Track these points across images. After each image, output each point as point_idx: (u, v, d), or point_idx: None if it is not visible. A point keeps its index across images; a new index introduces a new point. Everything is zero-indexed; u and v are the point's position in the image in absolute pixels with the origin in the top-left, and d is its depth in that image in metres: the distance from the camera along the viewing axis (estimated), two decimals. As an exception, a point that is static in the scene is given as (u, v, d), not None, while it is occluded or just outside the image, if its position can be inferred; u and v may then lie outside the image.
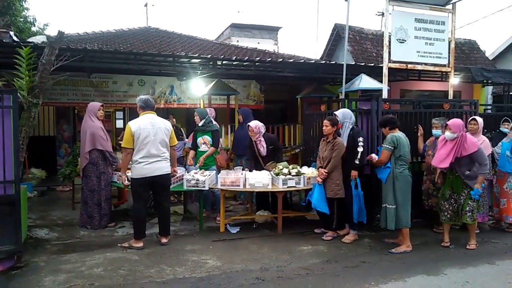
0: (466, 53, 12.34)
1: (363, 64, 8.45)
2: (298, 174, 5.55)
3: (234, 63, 7.79)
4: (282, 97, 10.61)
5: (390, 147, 4.88)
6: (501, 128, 6.20)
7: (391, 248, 4.92)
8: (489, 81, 8.20)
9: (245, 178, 5.47)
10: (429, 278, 4.13)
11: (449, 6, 7.25)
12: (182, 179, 5.56)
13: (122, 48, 8.29)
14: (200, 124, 6.07)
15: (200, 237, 5.34)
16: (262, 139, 5.91)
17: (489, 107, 8.62)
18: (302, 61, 8.28)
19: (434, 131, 5.58)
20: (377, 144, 5.69)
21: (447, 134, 4.84)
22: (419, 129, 5.92)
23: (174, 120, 7.45)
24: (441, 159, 4.87)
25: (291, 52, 21.03)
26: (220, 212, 5.59)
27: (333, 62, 8.41)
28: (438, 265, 4.43)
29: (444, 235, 5.12)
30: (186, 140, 7.31)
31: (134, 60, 7.13)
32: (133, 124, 4.65)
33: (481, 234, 5.54)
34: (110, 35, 10.83)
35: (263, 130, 5.96)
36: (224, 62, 7.80)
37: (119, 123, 12.42)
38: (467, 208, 4.90)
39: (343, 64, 7.01)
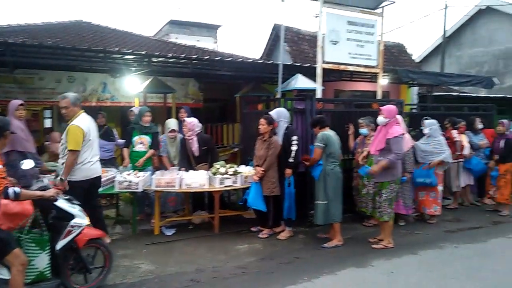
0: (395, 55, 13.09)
1: (299, 64, 8.65)
2: (236, 173, 5.54)
3: (170, 60, 7.60)
4: (222, 95, 10.55)
5: (321, 145, 5.03)
6: (422, 127, 6.64)
7: (324, 243, 5.08)
8: (415, 82, 8.79)
9: (181, 179, 5.35)
10: (358, 270, 4.32)
11: (379, 10, 7.64)
12: (114, 181, 5.31)
13: (50, 42, 7.74)
14: (147, 125, 5.89)
15: (132, 241, 5.14)
16: (195, 138, 5.81)
17: (415, 106, 9.25)
18: (240, 60, 8.28)
19: (361, 130, 5.84)
20: (312, 142, 5.84)
21: (379, 118, 5.00)
22: (350, 128, 6.17)
23: (104, 119, 7.08)
24: (375, 145, 5.05)
25: (232, 51, 20.99)
26: (155, 214, 5.43)
27: (270, 62, 8.50)
28: (366, 257, 4.65)
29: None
30: (119, 141, 7.00)
31: (62, 55, 6.69)
32: (82, 125, 4.39)
33: (405, 226, 5.92)
34: (37, 28, 10.06)
35: (197, 129, 5.87)
36: (160, 59, 7.58)
37: (47, 123, 11.60)
38: (376, 205, 4.99)
39: (281, 64, 7.12)
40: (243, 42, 50.66)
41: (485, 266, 4.46)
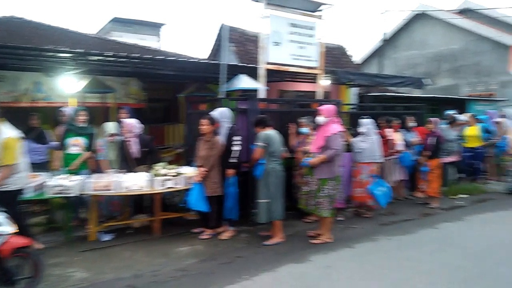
0: (337, 57, 13.54)
1: (243, 64, 8.69)
2: (178, 174, 5.46)
3: (109, 59, 7.32)
4: (165, 95, 10.33)
5: (262, 144, 5.11)
6: (358, 126, 6.94)
7: (266, 241, 5.16)
8: (353, 83, 9.17)
9: (120, 181, 5.18)
10: (297, 265, 4.44)
11: (318, 13, 7.86)
12: (45, 185, 5.02)
13: (-25, 38, 7.19)
14: (82, 125, 5.63)
15: (66, 249, 4.89)
16: (135, 139, 5.66)
17: (354, 106, 9.65)
18: (183, 59, 8.17)
19: (302, 129, 6.00)
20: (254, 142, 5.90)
21: (319, 118, 5.18)
22: (291, 127, 6.31)
23: (37, 121, 6.68)
24: (315, 143, 5.21)
25: (178, 50, 20.63)
26: (91, 219, 5.22)
27: (214, 62, 8.47)
28: (305, 253, 4.79)
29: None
30: (53, 143, 6.63)
31: (-12, 52, 6.22)
32: (15, 135, 4.16)
33: (343, 221, 6.15)
34: (-39, 23, 9.32)
35: (137, 130, 5.73)
36: (99, 57, 7.28)
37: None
38: (317, 201, 5.14)
39: (224, 64, 7.12)
40: (191, 41, 50.07)
41: (414, 255, 4.76)
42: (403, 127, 7.66)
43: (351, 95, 10.87)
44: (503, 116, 9.74)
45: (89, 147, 5.74)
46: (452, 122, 8.56)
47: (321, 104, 6.99)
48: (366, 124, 6.52)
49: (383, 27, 16.93)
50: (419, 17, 17.00)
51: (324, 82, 8.47)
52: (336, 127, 5.13)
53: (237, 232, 5.48)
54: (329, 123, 5.15)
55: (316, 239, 5.22)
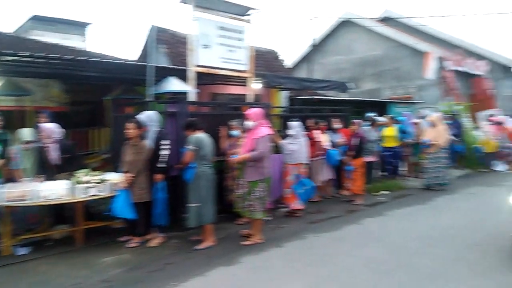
0: (268, 61, 13.84)
1: (172, 66, 8.53)
2: (101, 181, 5.21)
3: (25, 59, 6.78)
4: (90, 98, 9.79)
5: (193, 147, 5.05)
6: (287, 129, 7.14)
7: (197, 246, 5.10)
8: (283, 86, 9.43)
9: (37, 190, 4.82)
10: (227, 268, 4.45)
11: (247, 17, 7.98)
12: None
13: None
14: None
15: (-26, 266, 4.45)
16: (54, 145, 5.31)
17: (284, 109, 9.92)
18: (107, 61, 7.81)
19: (232, 132, 6.04)
20: (184, 145, 5.81)
21: (248, 122, 5.27)
22: (222, 130, 6.31)
23: None
24: (244, 146, 5.28)
25: (106, 50, 19.73)
26: (5, 232, 4.79)
27: (142, 63, 8.22)
28: (236, 255, 4.81)
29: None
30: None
31: None
32: None
33: (273, 221, 6.28)
34: None
35: (56, 135, 5.38)
36: (13, 58, 6.72)
37: None
38: (248, 203, 5.22)
39: (152, 66, 6.94)
40: (121, 42, 48.20)
41: (338, 251, 5.00)
42: (329, 128, 8.02)
43: (281, 98, 11.17)
44: (420, 118, 10.62)
45: (2, 155, 5.28)
46: (373, 123, 9.15)
47: (251, 107, 7.13)
48: (295, 126, 6.74)
49: (312, 33, 17.59)
50: (345, 24, 17.95)
51: (255, 86, 8.61)
52: (264, 130, 5.24)
53: (167, 239, 5.36)
54: (257, 126, 5.25)
55: (247, 240, 5.27)
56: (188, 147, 5.10)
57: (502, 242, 5.16)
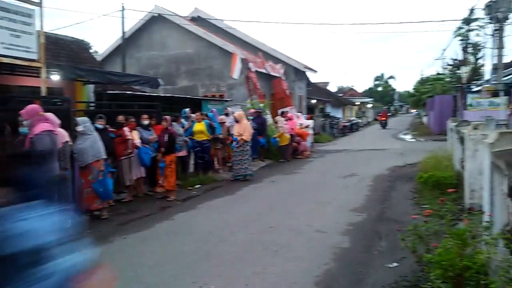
0: (75, 51, 12.50)
1: None
2: None
3: None
4: None
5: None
6: (95, 124, 6.60)
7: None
8: (85, 79, 8.58)
9: None
10: None
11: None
12: None
13: None
14: None
15: None
16: None
17: (92, 104, 9.14)
18: None
19: (22, 129, 5.21)
20: None
21: (24, 122, 4.92)
22: (7, 127, 5.36)
23: None
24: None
25: None
26: None
27: None
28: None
29: None
30: None
31: None
32: None
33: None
34: None
35: None
36: None
37: None
38: None
39: None
40: None
41: (146, 250, 4.88)
42: (139, 125, 7.78)
43: (89, 92, 10.25)
44: (227, 114, 11.39)
45: None
46: (186, 119, 9.32)
47: (46, 101, 6.30)
48: (83, 122, 6.20)
49: (124, 25, 16.76)
50: (157, 19, 17.72)
51: (52, 77, 7.62)
52: (43, 127, 4.81)
53: None
54: (35, 124, 4.73)
55: None
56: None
57: (294, 222, 5.96)
